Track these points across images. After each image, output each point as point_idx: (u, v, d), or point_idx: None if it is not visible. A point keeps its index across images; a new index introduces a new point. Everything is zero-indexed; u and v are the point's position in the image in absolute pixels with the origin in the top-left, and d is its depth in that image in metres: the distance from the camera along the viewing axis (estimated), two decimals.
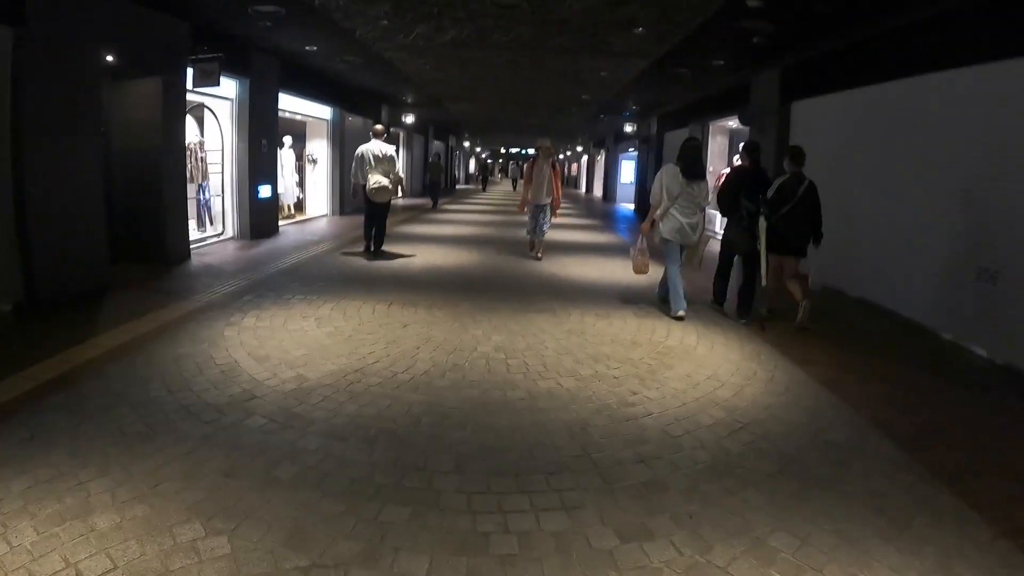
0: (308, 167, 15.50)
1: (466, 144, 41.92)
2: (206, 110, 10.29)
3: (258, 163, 11.00)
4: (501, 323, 5.54)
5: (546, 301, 6.56)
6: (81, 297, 5.95)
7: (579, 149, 39.26)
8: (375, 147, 9.10)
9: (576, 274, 8.32)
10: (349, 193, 10.72)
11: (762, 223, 5.93)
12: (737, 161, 13.56)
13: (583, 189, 38.74)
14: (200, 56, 8.41)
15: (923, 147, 6.68)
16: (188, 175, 9.99)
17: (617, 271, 8.63)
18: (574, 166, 47.16)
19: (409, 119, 19.84)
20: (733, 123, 13.78)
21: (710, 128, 14.41)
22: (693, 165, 6.26)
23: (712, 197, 6.68)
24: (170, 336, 4.88)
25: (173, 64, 8.22)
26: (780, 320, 6.15)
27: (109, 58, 7.13)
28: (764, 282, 6.01)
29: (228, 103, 10.48)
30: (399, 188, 9.31)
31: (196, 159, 10.04)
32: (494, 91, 15.22)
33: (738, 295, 6.27)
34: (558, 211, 9.98)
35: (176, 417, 3.41)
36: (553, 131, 29.34)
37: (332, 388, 3.88)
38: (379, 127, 9.63)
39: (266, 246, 10.01)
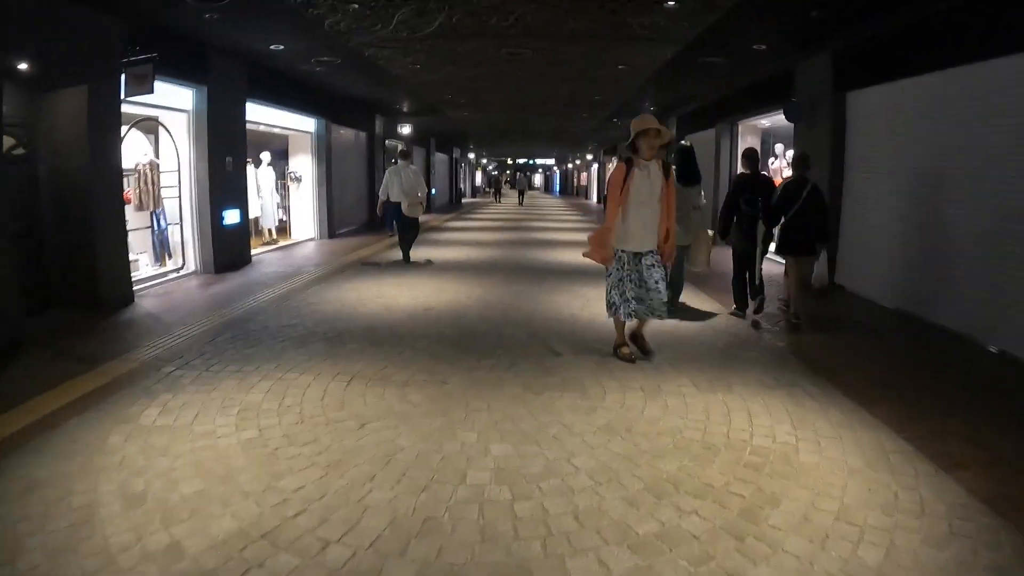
0: (292, 186, 13.96)
1: (471, 155, 40.42)
2: (160, 126, 8.77)
3: (222, 184, 9.45)
4: (505, 414, 3.79)
5: (570, 367, 4.77)
6: None
7: (589, 157, 37.64)
8: (402, 168, 10.09)
9: (601, 313, 5.86)
10: (377, 210, 11.41)
11: (760, 227, 6.31)
12: (773, 164, 11.93)
13: (594, 199, 37.08)
14: (132, 59, 6.87)
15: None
16: (138, 201, 8.50)
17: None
18: (583, 175, 45.54)
19: (406, 130, 18.30)
20: (766, 121, 12.12)
21: (738, 128, 12.74)
22: (686, 170, 6.56)
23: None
24: (40, 441, 3.35)
25: (100, 68, 6.71)
26: (858, 371, 4.53)
27: (22, 64, 5.77)
28: (757, 282, 6.53)
29: (184, 116, 8.95)
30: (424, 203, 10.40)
31: (148, 183, 8.51)
32: (496, 94, 13.63)
33: (734, 293, 6.70)
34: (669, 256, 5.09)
35: None
36: (562, 139, 27.76)
37: None
38: (403, 149, 10.71)
39: (231, 282, 8.44)
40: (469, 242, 13.86)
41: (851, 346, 5.69)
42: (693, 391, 4.26)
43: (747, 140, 12.73)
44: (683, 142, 10.82)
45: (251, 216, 12.18)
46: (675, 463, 3.17)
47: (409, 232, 10.27)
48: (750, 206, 6.32)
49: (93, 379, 4.36)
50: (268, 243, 12.60)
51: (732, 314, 6.67)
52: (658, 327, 5.64)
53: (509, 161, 54.11)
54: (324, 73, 11.09)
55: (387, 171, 10.33)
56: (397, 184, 9.94)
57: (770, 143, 12.67)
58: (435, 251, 11.96)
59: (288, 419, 3.67)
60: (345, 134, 15.69)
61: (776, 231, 6.37)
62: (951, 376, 4.79)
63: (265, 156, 12.72)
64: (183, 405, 3.89)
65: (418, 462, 3.15)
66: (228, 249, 9.60)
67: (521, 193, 34.65)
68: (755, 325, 6.37)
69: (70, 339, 5.45)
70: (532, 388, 4.27)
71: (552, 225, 19.59)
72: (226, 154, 9.61)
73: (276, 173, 13.37)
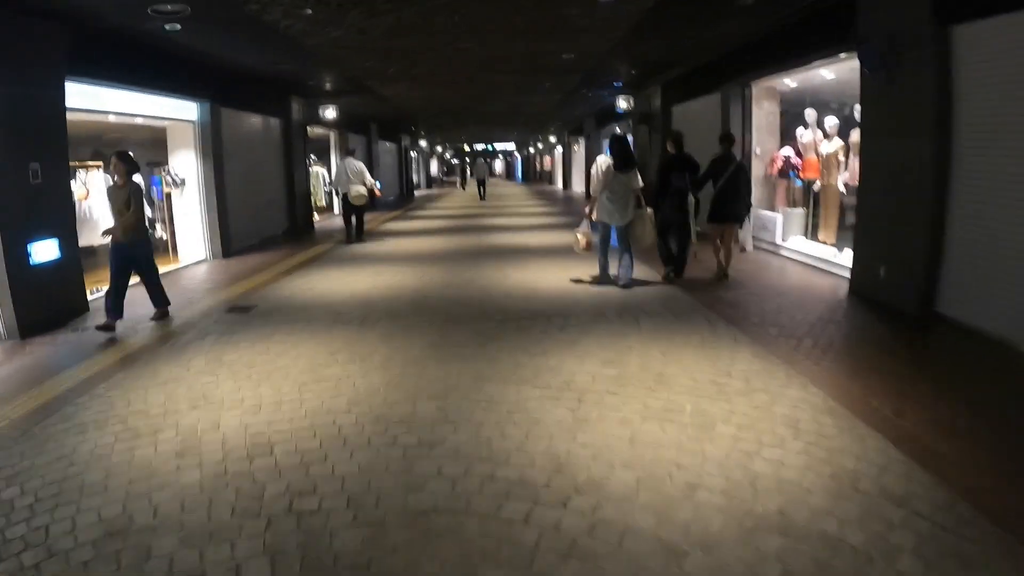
0: (175, 192, 10.60)
1: (423, 143, 36.93)
2: None
3: (26, 204, 6.20)
4: None
5: None
6: None
7: (552, 140, 34.57)
8: (350, 163, 11.96)
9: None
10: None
11: (690, 199, 7.27)
12: (803, 137, 9.12)
13: (560, 185, 34.13)
14: None
15: None
16: None
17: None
18: (547, 159, 42.44)
19: (330, 113, 14.97)
20: (792, 80, 9.24)
21: (752, 91, 9.83)
22: (622, 158, 7.20)
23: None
24: None
25: None
26: None
27: None
28: (693, 245, 7.52)
29: None
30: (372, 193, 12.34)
31: None
32: (434, 53, 10.49)
33: (675, 259, 7.57)
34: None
35: None
36: (521, 119, 24.63)
37: None
38: (351, 147, 13.79)
39: (36, 352, 5.26)
40: (407, 257, 10.69)
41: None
42: None
43: (763, 107, 9.85)
44: (617, 131, 12.43)
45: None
46: None
47: (358, 218, 12.29)
48: (679, 181, 7.24)
49: None
50: None
51: (664, 278, 7.56)
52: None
53: (467, 148, 50.47)
54: (190, 37, 7.83)
55: (337, 166, 12.38)
56: (344, 177, 11.85)
57: (790, 111, 9.83)
58: (351, 276, 8.71)
59: None
60: (249, 121, 12.36)
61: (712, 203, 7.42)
62: None
63: None
64: None
65: None
66: (42, 299, 6.35)
67: (481, 184, 27.12)
68: (667, 279, 7.48)
69: None
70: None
71: (519, 223, 16.43)
72: (29, 159, 6.34)
73: (148, 177, 10.06)
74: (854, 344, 5.11)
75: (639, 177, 7.31)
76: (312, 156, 18.35)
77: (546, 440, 3.43)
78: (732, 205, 7.28)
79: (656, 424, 3.59)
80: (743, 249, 7.52)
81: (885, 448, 3.25)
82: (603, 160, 7.23)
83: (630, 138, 11.20)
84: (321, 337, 5.56)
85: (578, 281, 7.74)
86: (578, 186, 26.86)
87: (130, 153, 6.38)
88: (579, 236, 7.54)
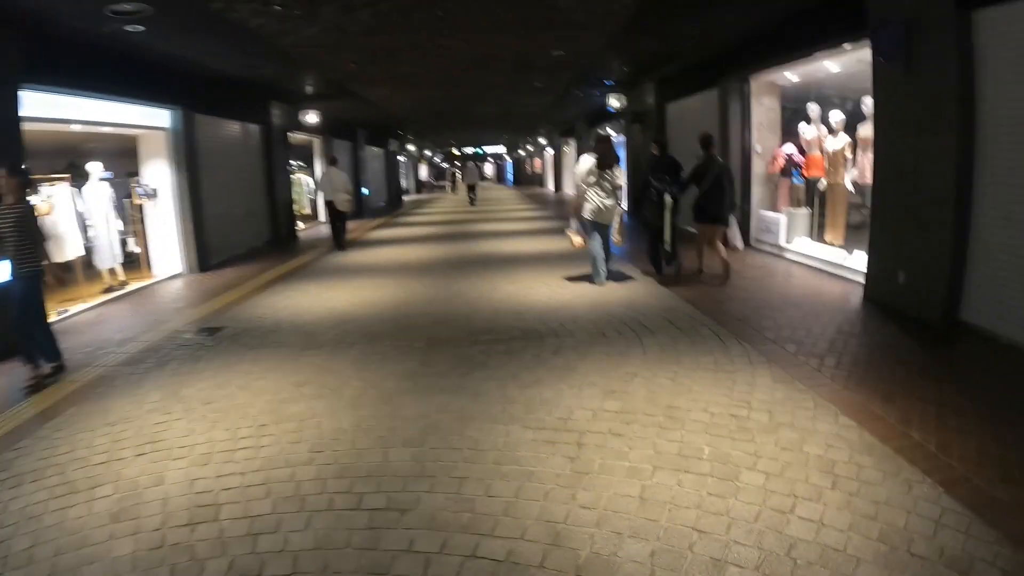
0: (147, 204, 10.06)
1: (411, 148, 36.38)
2: None
3: None
4: None
5: None
6: None
7: (543, 141, 34.07)
8: (334, 172, 12.47)
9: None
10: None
11: (667, 200, 7.31)
12: (807, 134, 8.67)
13: (551, 187, 33.65)
14: None
15: None
16: None
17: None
18: (537, 162, 41.92)
19: (312, 117, 14.44)
20: (793, 75, 8.79)
21: (750, 87, 9.37)
22: (605, 157, 7.27)
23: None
24: None
25: None
26: None
27: None
28: (667, 247, 7.51)
29: None
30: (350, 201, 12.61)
31: None
32: (417, 51, 10.00)
33: (656, 258, 7.80)
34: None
35: None
36: (511, 121, 24.16)
37: None
38: (333, 156, 14.32)
39: None
40: (391, 269, 10.17)
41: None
42: None
43: (763, 103, 9.39)
44: (599, 130, 12.87)
45: (72, 255, 8.41)
46: None
47: (339, 223, 12.50)
48: (660, 183, 7.32)
49: None
50: (111, 288, 8.77)
51: (660, 279, 7.64)
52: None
53: (456, 152, 49.79)
54: (156, 39, 7.31)
55: (320, 174, 13.40)
56: (328, 185, 12.32)
57: (790, 107, 9.38)
58: (329, 291, 8.17)
59: None
60: (227, 128, 11.82)
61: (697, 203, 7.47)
62: None
63: (95, 167, 8.82)
64: None
65: None
66: None
67: (472, 188, 25.35)
68: (672, 279, 7.52)
69: None
70: None
71: (509, 228, 15.94)
72: None
73: (122, 189, 9.53)
74: (880, 361, 4.63)
75: (623, 175, 7.61)
76: (295, 163, 17.84)
77: (540, 500, 2.90)
78: (716, 206, 7.36)
79: (670, 475, 3.07)
80: (735, 248, 7.65)
81: (936, 496, 2.77)
82: (587, 159, 7.37)
83: (623, 138, 10.95)
84: (288, 367, 5.00)
85: (573, 279, 7.40)
86: (570, 188, 26.35)
87: (23, 165, 5.19)
88: (571, 235, 7.86)
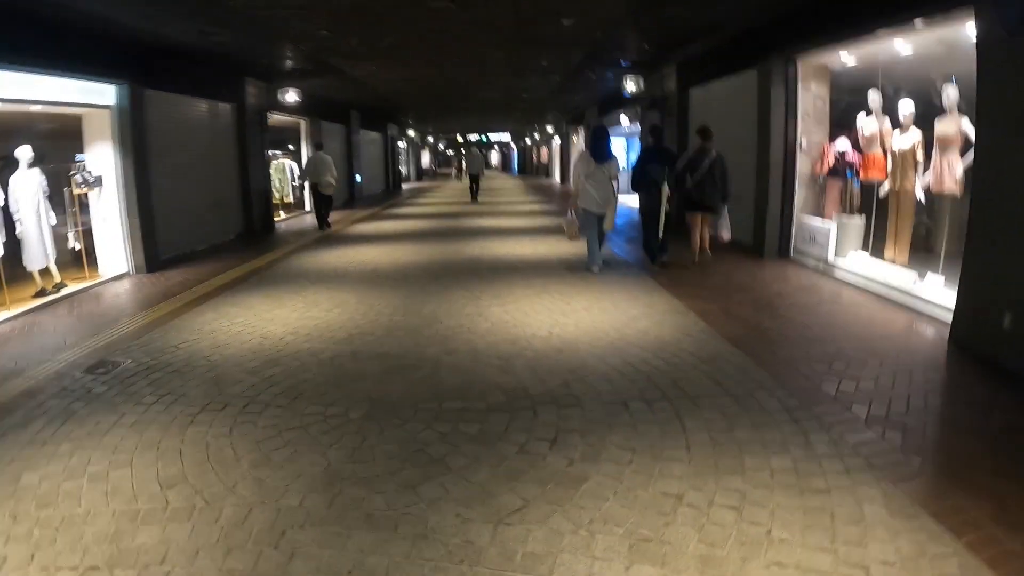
0: (91, 194, 8.67)
1: (411, 133, 34.82)
2: None
3: None
4: None
5: None
6: None
7: (550, 130, 32.50)
8: (319, 157, 13.08)
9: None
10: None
11: (665, 189, 7.54)
12: (865, 128, 7.21)
13: (557, 178, 32.10)
14: None
15: None
16: None
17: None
18: (543, 151, 40.29)
19: (291, 96, 12.99)
20: (850, 56, 7.31)
21: (797, 69, 7.87)
22: (599, 150, 7.59)
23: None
24: None
25: None
26: None
27: None
28: (660, 237, 7.82)
29: None
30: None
31: None
32: (402, 13, 8.59)
33: (655, 247, 8.02)
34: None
35: None
36: (517, 107, 22.61)
37: None
38: (319, 141, 14.56)
39: None
40: (361, 277, 8.71)
41: None
42: None
43: (811, 89, 7.91)
44: (590, 122, 13.24)
45: None
46: None
47: (324, 207, 13.17)
48: (655, 172, 7.64)
49: None
50: (43, 292, 7.40)
51: (658, 265, 8.01)
52: None
53: (460, 139, 47.98)
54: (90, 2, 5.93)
55: (311, 157, 13.83)
56: (313, 170, 13.05)
57: (844, 97, 7.89)
58: (275, 306, 6.75)
59: None
60: (188, 107, 10.42)
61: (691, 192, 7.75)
62: None
63: (23, 153, 7.37)
64: None
65: None
66: None
67: (475, 180, 21.77)
68: (663, 266, 7.94)
69: None
70: None
71: (508, 225, 14.46)
72: None
73: (58, 177, 8.13)
74: (1012, 463, 3.18)
75: (618, 166, 7.91)
76: (277, 150, 16.43)
77: None
78: (707, 196, 7.60)
79: None
80: (722, 239, 7.81)
81: None
82: (584, 153, 7.84)
83: (636, 126, 10.47)
84: (167, 444, 3.49)
85: (581, 296, 5.94)
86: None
87: None
88: (565, 226, 8.33)
